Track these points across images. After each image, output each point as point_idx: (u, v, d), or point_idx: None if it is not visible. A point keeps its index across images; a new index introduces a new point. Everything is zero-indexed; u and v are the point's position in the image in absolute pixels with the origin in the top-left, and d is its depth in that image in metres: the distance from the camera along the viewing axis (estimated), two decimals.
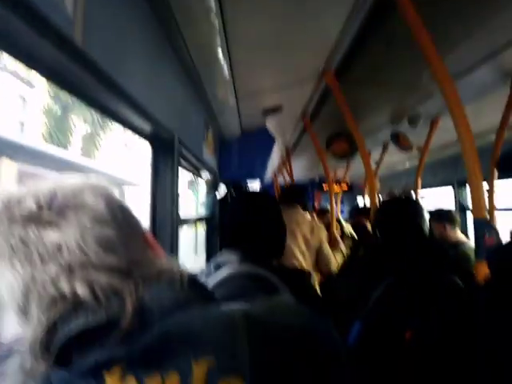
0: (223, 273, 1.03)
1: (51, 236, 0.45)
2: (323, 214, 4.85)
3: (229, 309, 0.48)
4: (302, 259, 2.17)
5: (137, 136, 1.22)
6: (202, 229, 2.93)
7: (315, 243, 2.29)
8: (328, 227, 3.41)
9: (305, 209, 2.39)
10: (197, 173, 2.15)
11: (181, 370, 0.40)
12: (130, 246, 0.49)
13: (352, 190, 7.72)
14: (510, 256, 0.63)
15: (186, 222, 1.96)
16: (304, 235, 2.22)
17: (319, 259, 2.32)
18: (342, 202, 6.99)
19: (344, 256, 2.77)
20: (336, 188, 6.47)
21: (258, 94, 2.21)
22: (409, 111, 2.66)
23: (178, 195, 1.50)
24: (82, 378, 0.41)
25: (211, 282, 1.02)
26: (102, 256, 0.45)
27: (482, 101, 2.35)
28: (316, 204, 7.93)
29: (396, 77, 2.00)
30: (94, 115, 14.11)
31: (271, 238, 1.14)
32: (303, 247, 2.22)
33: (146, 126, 1.17)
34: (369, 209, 3.34)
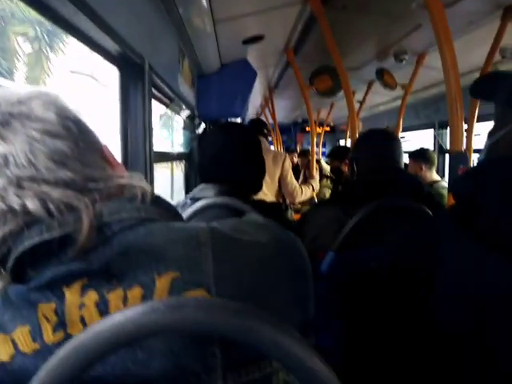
0: (199, 204, 1.02)
1: None
2: (304, 154, 4.88)
3: (194, 225, 0.46)
4: (265, 188, 2.24)
5: (99, 61, 1.12)
6: (179, 168, 2.89)
7: (277, 172, 2.38)
8: (308, 167, 3.46)
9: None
10: (172, 107, 2.05)
11: (143, 284, 0.39)
12: (86, 161, 0.45)
13: (334, 132, 7.72)
14: (468, 181, 0.62)
15: (161, 158, 1.90)
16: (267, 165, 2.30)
17: (283, 188, 2.44)
18: (323, 144, 6.98)
19: (313, 191, 2.83)
20: (318, 130, 6.43)
21: (237, 22, 2.05)
22: (395, 46, 2.56)
23: (151, 128, 1.43)
24: (39, 292, 0.39)
25: (186, 213, 1.02)
26: (54, 170, 0.42)
27: (470, 36, 2.27)
28: (298, 146, 7.93)
29: (385, 4, 1.88)
30: (38, 31, 11.55)
31: (250, 172, 1.13)
32: (266, 177, 2.31)
33: (113, 47, 1.06)
34: (344, 152, 3.36)
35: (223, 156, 1.07)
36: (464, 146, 1.30)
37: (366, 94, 4.04)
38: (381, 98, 4.50)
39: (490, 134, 0.67)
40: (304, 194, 2.59)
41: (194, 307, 0.31)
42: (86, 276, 0.40)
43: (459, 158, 1.21)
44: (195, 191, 1.10)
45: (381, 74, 2.93)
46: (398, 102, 3.45)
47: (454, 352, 0.57)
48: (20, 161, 0.41)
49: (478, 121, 2.47)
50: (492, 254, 0.55)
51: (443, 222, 0.64)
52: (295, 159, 5.31)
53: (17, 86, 0.49)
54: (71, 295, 0.39)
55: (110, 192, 0.45)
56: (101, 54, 1.08)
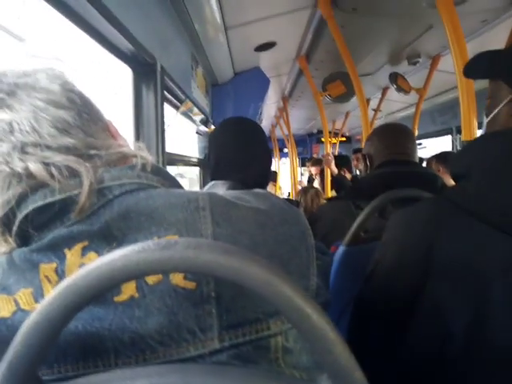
0: None
1: (2, 116, 0.43)
2: (319, 163, 4.86)
3: (193, 191, 0.47)
4: None
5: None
6: (194, 174, 2.91)
7: None
8: (321, 175, 3.48)
9: None
10: (186, 113, 2.09)
11: None
12: (89, 131, 0.47)
13: (350, 142, 7.68)
14: (465, 157, 0.61)
15: (175, 160, 1.93)
16: None
17: None
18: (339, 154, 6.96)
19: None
20: (333, 140, 6.43)
21: (249, 28, 2.10)
22: (407, 49, 2.55)
23: (163, 129, 1.46)
24: (41, 253, 0.41)
25: None
26: (56, 137, 0.44)
27: (484, 37, 2.24)
28: (315, 156, 7.91)
29: (395, 5, 1.89)
30: None
31: (257, 168, 1.13)
32: None
33: (125, 45, 1.10)
34: (344, 160, 3.40)
35: (230, 153, 1.07)
36: None
37: (380, 101, 4.02)
38: (396, 106, 4.47)
39: (487, 112, 0.66)
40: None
41: (183, 246, 0.31)
42: (86, 238, 0.40)
43: None
44: (206, 188, 1.11)
45: (394, 79, 2.92)
46: (414, 109, 3.42)
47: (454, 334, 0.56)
48: (24, 128, 0.42)
49: None
50: (491, 232, 0.54)
51: (442, 205, 0.63)
52: (312, 169, 5.30)
53: (23, 61, 0.51)
54: (72, 256, 0.40)
55: (111, 159, 0.47)
56: (113, 53, 1.12)
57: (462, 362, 0.54)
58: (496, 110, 0.63)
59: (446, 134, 4.04)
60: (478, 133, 1.39)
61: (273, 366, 0.40)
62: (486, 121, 0.67)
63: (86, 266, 0.32)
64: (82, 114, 0.47)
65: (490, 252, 0.54)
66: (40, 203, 0.40)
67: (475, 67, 0.68)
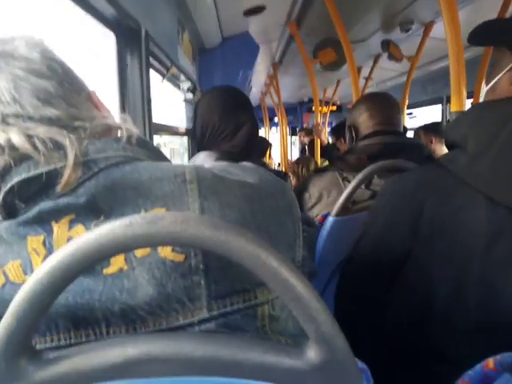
0: None
1: None
2: (310, 133, 4.84)
3: (180, 164, 0.47)
4: None
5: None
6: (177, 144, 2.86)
7: None
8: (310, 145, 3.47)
9: None
10: (173, 80, 2.03)
11: None
12: (72, 101, 0.46)
13: (341, 111, 7.61)
14: (461, 124, 0.62)
15: (161, 130, 1.90)
16: None
17: None
18: (330, 123, 6.91)
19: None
20: (324, 109, 6.35)
21: None
22: (400, 15, 2.48)
23: (149, 97, 1.42)
24: (27, 226, 0.40)
25: None
26: (38, 107, 0.42)
27: (477, 5, 2.20)
28: (305, 125, 7.85)
29: None
30: None
31: (245, 136, 1.11)
32: None
33: (108, 10, 1.05)
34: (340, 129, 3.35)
35: (216, 124, 1.06)
36: None
37: (371, 69, 3.96)
38: (388, 74, 4.41)
39: (488, 80, 0.66)
40: None
41: (170, 220, 0.31)
42: (73, 211, 0.40)
43: None
44: (193, 159, 1.10)
45: (387, 46, 2.86)
46: (406, 78, 3.38)
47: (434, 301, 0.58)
48: (5, 98, 0.41)
49: None
50: (479, 201, 0.55)
51: (432, 171, 0.64)
52: (303, 138, 5.28)
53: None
54: (59, 229, 0.40)
55: (95, 131, 0.46)
56: (96, 17, 1.07)
57: (440, 329, 0.58)
58: (497, 78, 0.63)
59: (437, 103, 4.03)
60: (468, 102, 1.39)
61: (260, 333, 0.41)
62: (485, 89, 0.67)
63: (75, 240, 0.32)
64: (63, 84, 0.46)
65: (475, 223, 0.55)
66: (24, 176, 0.40)
67: (481, 34, 0.67)
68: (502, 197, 0.53)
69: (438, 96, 3.93)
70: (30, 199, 0.41)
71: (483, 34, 0.67)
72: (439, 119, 4.01)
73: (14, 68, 0.43)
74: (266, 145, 2.27)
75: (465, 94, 1.29)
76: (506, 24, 0.65)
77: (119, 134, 0.47)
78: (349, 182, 1.12)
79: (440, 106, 4.00)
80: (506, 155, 0.53)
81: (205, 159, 1.04)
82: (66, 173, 0.40)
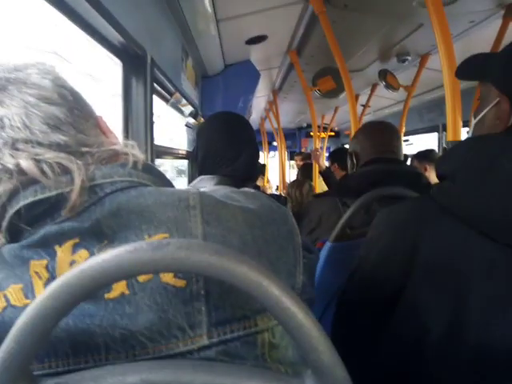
0: None
1: None
2: (308, 157, 4.89)
3: (184, 189, 0.47)
4: None
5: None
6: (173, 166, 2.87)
7: None
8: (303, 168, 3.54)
9: None
10: (175, 105, 2.07)
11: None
12: (80, 127, 0.47)
13: (339, 137, 7.72)
14: (452, 159, 0.63)
15: (163, 153, 1.92)
16: None
17: None
18: (328, 148, 6.99)
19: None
20: (322, 134, 6.45)
21: (240, 21, 2.08)
22: (397, 46, 2.57)
23: (152, 121, 1.45)
24: (31, 249, 0.41)
25: None
26: (48, 133, 0.44)
27: (471, 37, 2.28)
28: (303, 150, 7.94)
29: (386, 3, 1.90)
30: None
31: (246, 161, 1.13)
32: None
33: (115, 37, 1.09)
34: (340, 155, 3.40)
35: (217, 148, 1.07)
36: None
37: (369, 96, 4.05)
38: (385, 102, 4.51)
39: (475, 114, 0.68)
40: None
41: (175, 247, 0.32)
42: (77, 235, 0.41)
43: None
44: (194, 183, 1.11)
45: (384, 76, 2.95)
46: (402, 106, 3.46)
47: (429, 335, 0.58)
48: (15, 124, 0.42)
49: None
50: (472, 234, 0.56)
51: (426, 204, 0.65)
52: (299, 162, 5.33)
53: (14, 56, 0.51)
54: (62, 253, 0.41)
55: (102, 157, 0.47)
56: (103, 45, 1.10)
57: (437, 361, 0.57)
58: (484, 112, 0.65)
59: (433, 130, 4.10)
60: (463, 131, 1.42)
61: (259, 362, 0.41)
62: (473, 122, 0.69)
63: (79, 265, 0.32)
64: (73, 111, 0.47)
65: (470, 255, 0.56)
66: (31, 199, 0.41)
67: (467, 69, 0.69)
68: (492, 232, 0.53)
69: (434, 124, 4.00)
70: (35, 223, 0.41)
71: (469, 69, 0.69)
72: (435, 146, 4.07)
73: (26, 95, 0.44)
74: (260, 168, 2.31)
75: (460, 123, 1.32)
76: (490, 59, 0.66)
77: (125, 160, 0.48)
78: (348, 207, 1.12)
79: (436, 134, 4.07)
80: (493, 192, 0.54)
81: (205, 183, 1.05)
82: (73, 197, 0.41)
